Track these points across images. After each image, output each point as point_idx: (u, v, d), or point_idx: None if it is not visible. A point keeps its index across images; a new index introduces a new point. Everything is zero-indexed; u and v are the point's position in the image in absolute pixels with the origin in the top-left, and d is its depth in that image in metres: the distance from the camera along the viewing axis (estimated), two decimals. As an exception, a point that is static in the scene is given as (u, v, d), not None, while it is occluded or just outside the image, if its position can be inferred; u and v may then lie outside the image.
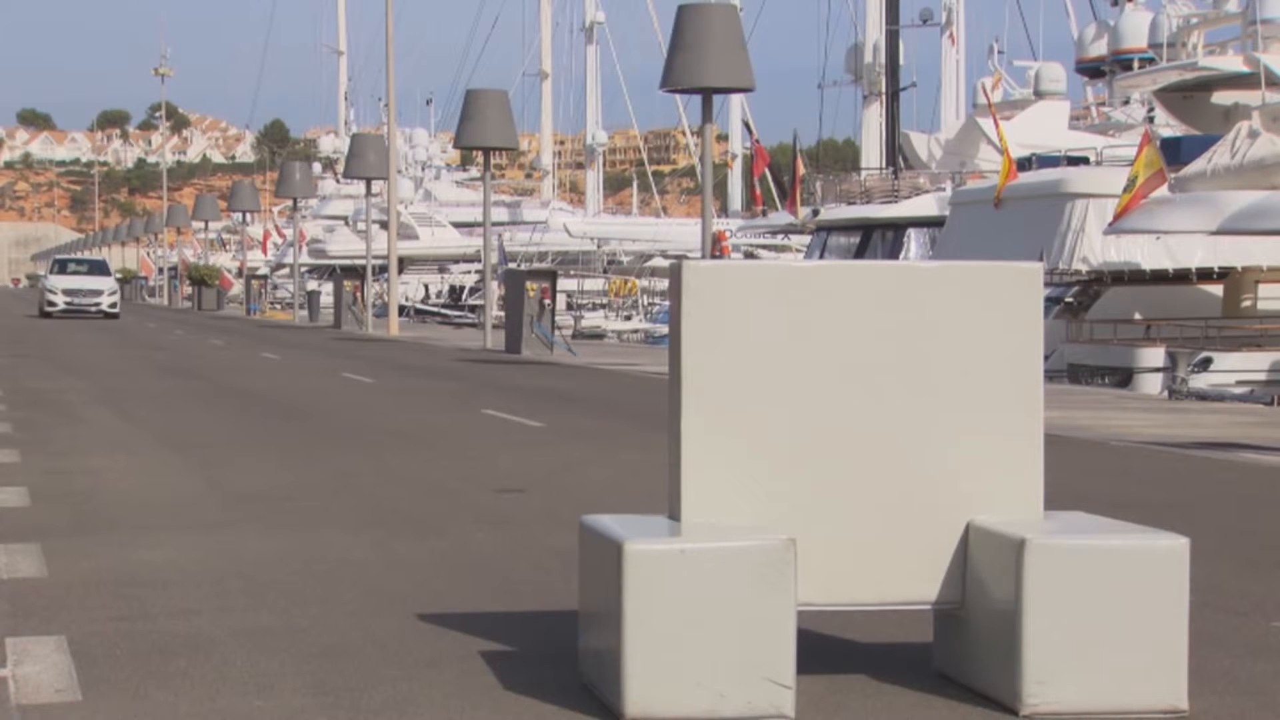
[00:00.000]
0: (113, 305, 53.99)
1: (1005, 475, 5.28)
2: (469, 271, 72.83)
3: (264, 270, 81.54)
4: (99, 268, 58.47)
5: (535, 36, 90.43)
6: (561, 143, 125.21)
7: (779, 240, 61.86)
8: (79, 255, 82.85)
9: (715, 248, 42.65)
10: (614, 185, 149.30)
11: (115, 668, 5.55)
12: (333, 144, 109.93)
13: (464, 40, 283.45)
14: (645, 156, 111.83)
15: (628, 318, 56.29)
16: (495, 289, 42.49)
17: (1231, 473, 12.13)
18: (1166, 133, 36.36)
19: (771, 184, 56.48)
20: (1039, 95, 51.34)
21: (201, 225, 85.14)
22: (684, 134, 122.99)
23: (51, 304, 53.39)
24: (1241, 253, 30.75)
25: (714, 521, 5.12)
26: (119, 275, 72.86)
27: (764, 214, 59.25)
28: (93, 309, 53.20)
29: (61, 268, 56.88)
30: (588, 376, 24.32)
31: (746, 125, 69.61)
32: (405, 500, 9.99)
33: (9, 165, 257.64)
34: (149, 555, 7.79)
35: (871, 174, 51.30)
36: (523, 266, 47.29)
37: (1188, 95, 34.67)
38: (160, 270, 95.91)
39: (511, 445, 13.61)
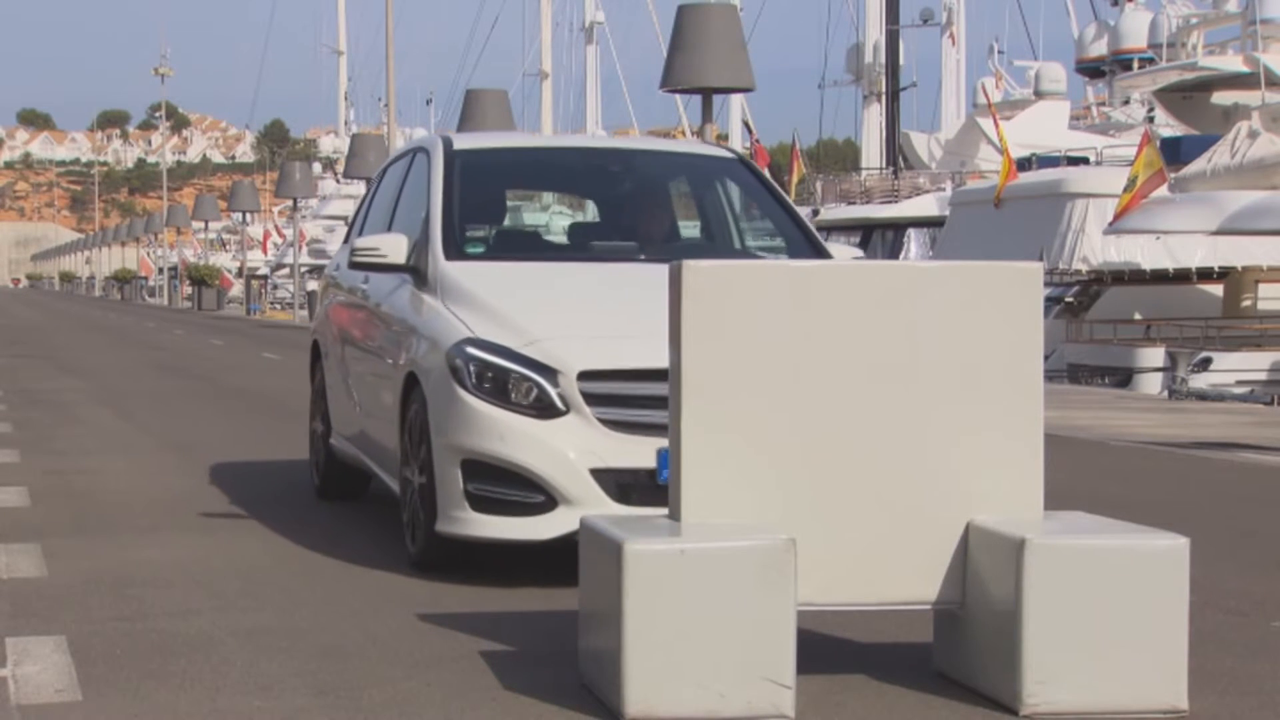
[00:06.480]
0: None
1: (1005, 475, 5.28)
2: (469, 271, 72.62)
3: (264, 270, 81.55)
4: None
5: (535, 36, 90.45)
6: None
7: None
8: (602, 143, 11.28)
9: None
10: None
11: (115, 668, 5.55)
12: (333, 144, 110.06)
13: (464, 40, 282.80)
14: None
15: None
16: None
17: (1231, 473, 12.11)
18: (1166, 133, 36.40)
19: (771, 184, 56.39)
20: (1039, 95, 51.40)
21: (201, 225, 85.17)
22: (684, 134, 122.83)
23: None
24: (1241, 253, 30.76)
25: (714, 521, 5.11)
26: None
27: (764, 214, 59.17)
28: None
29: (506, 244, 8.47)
30: (588, 376, 24.26)
31: (746, 125, 69.55)
32: (405, 500, 9.97)
33: (9, 165, 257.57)
34: (149, 555, 7.79)
35: (871, 174, 51.34)
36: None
37: (1188, 95, 34.72)
38: (160, 270, 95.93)
39: (511, 445, 13.56)
